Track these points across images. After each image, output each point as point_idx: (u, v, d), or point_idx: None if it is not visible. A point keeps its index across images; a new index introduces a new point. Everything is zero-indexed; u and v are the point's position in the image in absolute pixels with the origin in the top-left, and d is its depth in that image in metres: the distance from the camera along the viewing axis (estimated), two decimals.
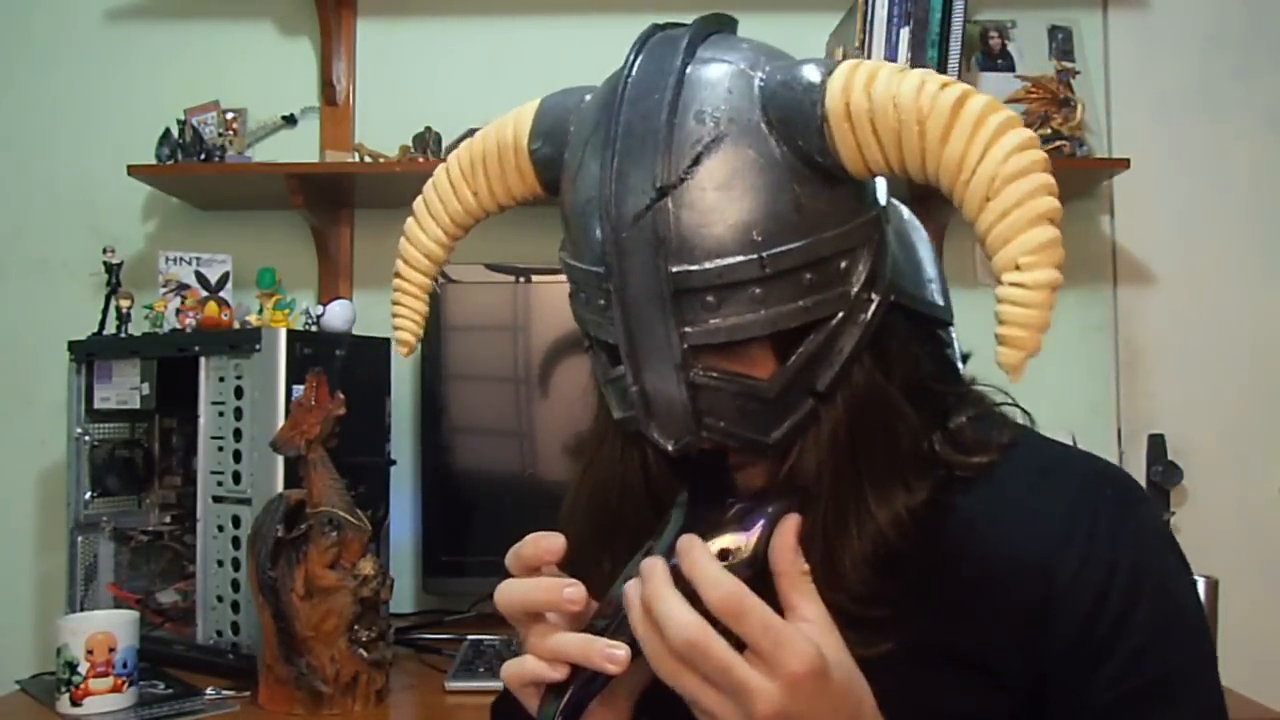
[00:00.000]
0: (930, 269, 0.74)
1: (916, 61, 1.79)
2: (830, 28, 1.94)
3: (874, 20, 1.82)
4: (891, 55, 1.80)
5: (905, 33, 1.80)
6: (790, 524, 0.59)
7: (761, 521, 0.61)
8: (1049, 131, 1.82)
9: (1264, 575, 1.90)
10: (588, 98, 0.66)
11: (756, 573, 0.59)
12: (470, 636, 1.62)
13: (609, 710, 0.65)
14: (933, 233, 1.99)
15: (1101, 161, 1.90)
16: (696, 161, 0.58)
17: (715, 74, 0.60)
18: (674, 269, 0.58)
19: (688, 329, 0.59)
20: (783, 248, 0.58)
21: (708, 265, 0.58)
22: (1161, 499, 1.94)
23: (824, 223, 0.60)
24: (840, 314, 0.61)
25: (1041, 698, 0.67)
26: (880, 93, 0.56)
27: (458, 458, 1.77)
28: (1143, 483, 1.93)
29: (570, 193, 0.64)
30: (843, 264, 0.61)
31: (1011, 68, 1.95)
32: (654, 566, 0.56)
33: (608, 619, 0.61)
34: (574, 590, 0.61)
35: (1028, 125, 1.93)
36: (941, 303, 0.73)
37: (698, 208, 0.58)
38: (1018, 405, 0.75)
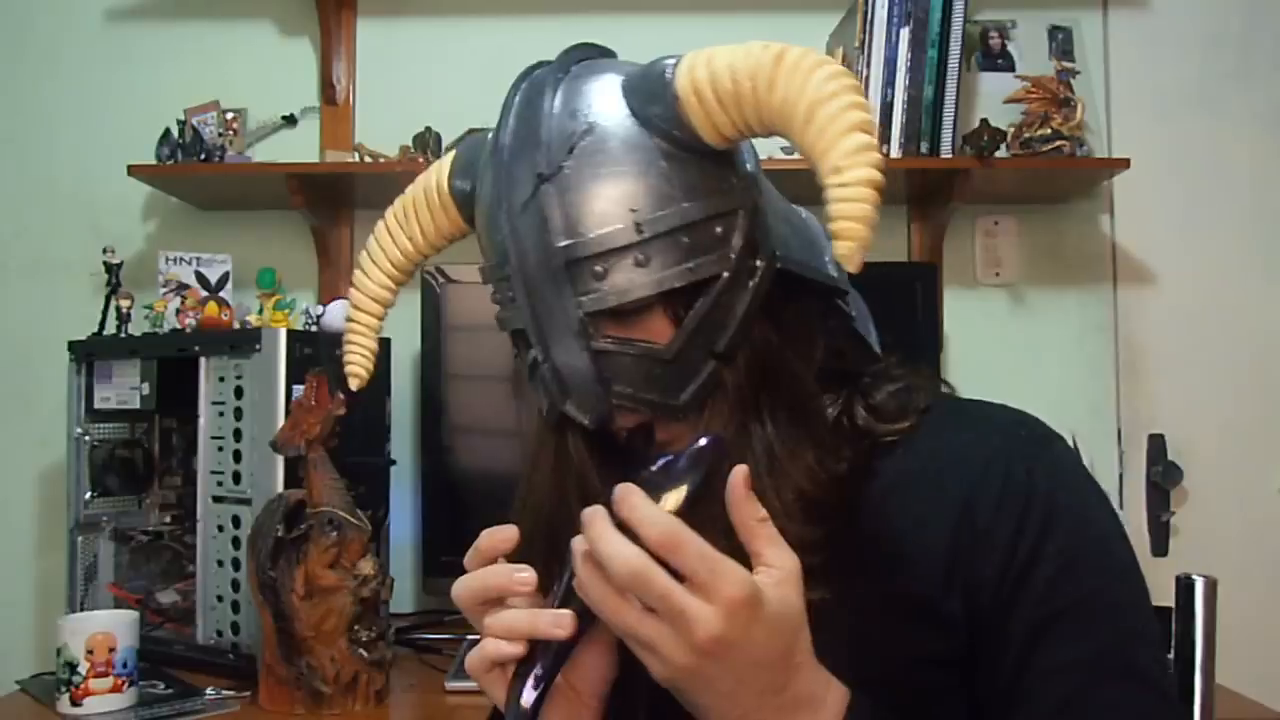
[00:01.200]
0: (823, 248, 0.76)
1: (916, 61, 1.80)
2: (830, 28, 1.94)
3: (874, 20, 1.82)
4: (891, 55, 1.80)
5: (905, 33, 1.80)
6: (739, 475, 0.59)
7: (683, 461, 0.62)
8: (1049, 131, 1.82)
9: (1264, 575, 1.90)
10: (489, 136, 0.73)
11: (691, 513, 0.60)
12: (470, 636, 1.62)
13: (574, 708, 0.66)
14: (931, 233, 2.01)
15: (1101, 161, 1.90)
16: (571, 151, 0.66)
17: (587, 80, 0.69)
18: (561, 243, 0.65)
19: (582, 297, 0.65)
20: (657, 213, 0.65)
21: (591, 235, 0.65)
22: (1161, 499, 1.94)
23: (693, 192, 0.66)
24: (725, 274, 0.67)
25: (976, 634, 0.69)
26: (717, 65, 0.64)
27: (458, 458, 1.77)
28: (1143, 483, 1.94)
29: (478, 209, 0.71)
30: (718, 228, 0.67)
31: (1011, 68, 1.95)
32: (594, 513, 0.58)
33: (554, 595, 0.63)
34: (525, 574, 0.63)
35: (1028, 125, 1.92)
36: (837, 275, 0.75)
37: (577, 189, 0.65)
38: (941, 380, 0.80)
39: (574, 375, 0.66)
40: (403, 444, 1.88)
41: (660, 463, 0.62)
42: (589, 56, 0.72)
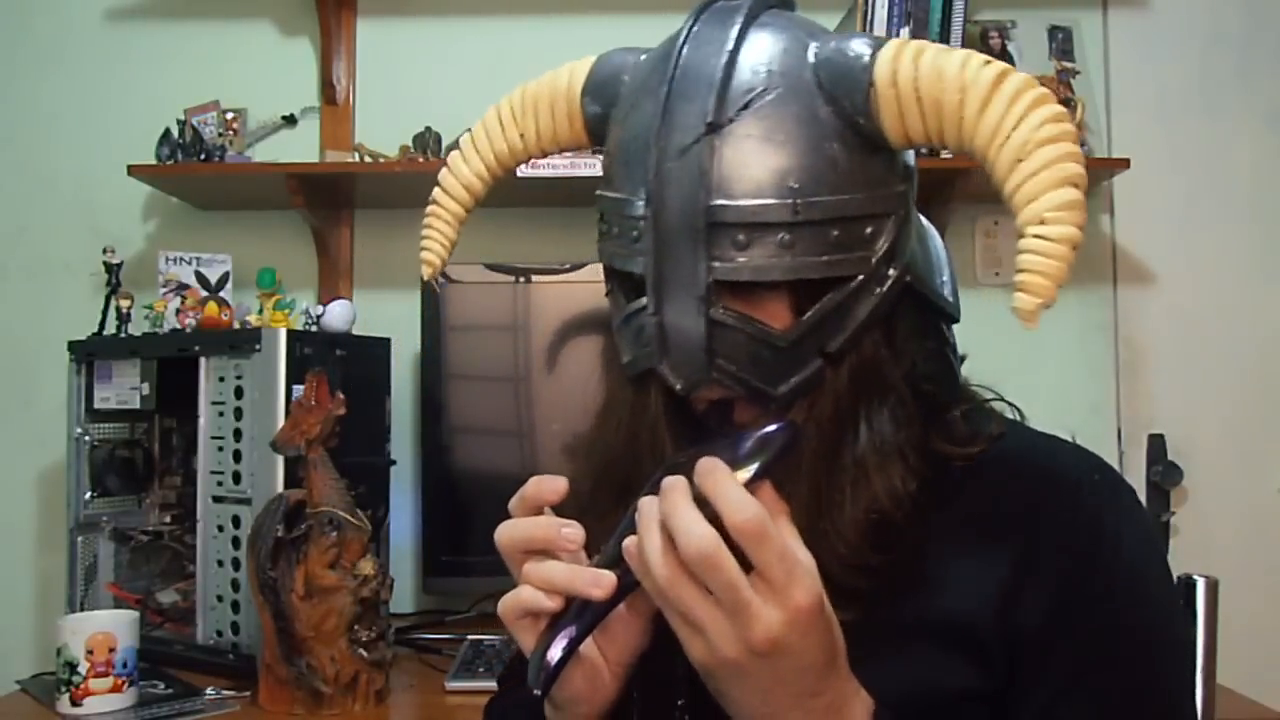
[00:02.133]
0: (945, 269, 0.75)
1: None
2: (830, 27, 1.94)
3: (874, 20, 1.82)
4: None
5: (905, 33, 1.80)
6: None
7: (753, 442, 0.60)
8: None
9: (1264, 575, 1.90)
10: (643, 56, 0.70)
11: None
12: (470, 636, 1.62)
13: (598, 675, 0.65)
14: None
15: (1101, 161, 1.90)
16: (746, 106, 0.62)
17: (773, 35, 0.65)
18: (712, 202, 0.61)
19: (715, 263, 0.62)
20: (815, 198, 0.62)
21: (743, 202, 0.61)
22: (1161, 499, 1.94)
23: (856, 184, 0.64)
24: (860, 277, 0.64)
25: (1014, 671, 0.67)
26: (926, 64, 0.61)
27: (458, 458, 1.77)
28: (1143, 483, 1.94)
29: (619, 130, 0.68)
30: (868, 229, 0.64)
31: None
32: (675, 483, 0.56)
33: (601, 553, 0.62)
34: (572, 530, 0.62)
35: None
36: (952, 300, 0.75)
37: (741, 149, 0.62)
38: (1007, 401, 0.77)
39: (681, 337, 0.64)
40: (403, 444, 1.88)
41: (736, 440, 0.60)
42: (770, 5, 0.68)
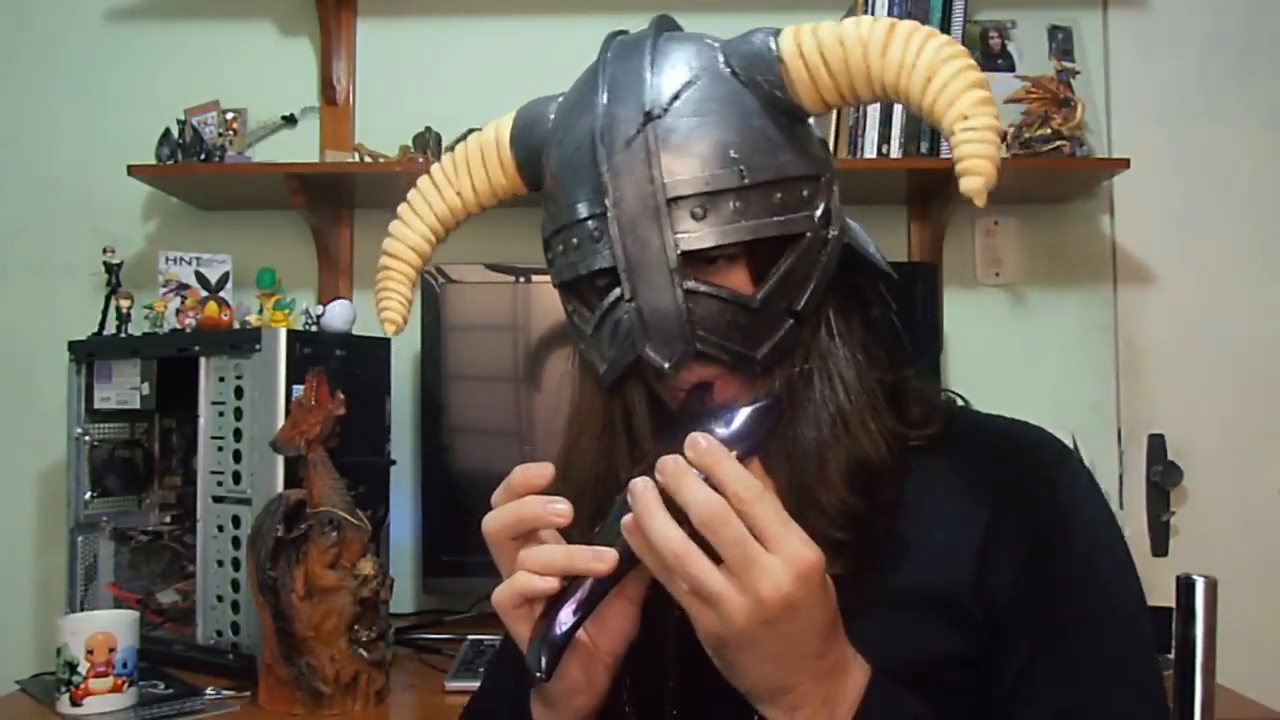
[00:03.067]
0: (870, 242, 0.80)
1: None
2: None
3: None
4: None
5: None
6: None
7: (739, 411, 0.63)
8: (1049, 131, 1.82)
9: (1264, 575, 1.90)
10: (560, 100, 0.75)
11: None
12: (470, 636, 1.62)
13: (592, 664, 0.67)
14: (931, 233, 2.01)
15: (1101, 161, 1.90)
16: (676, 96, 0.68)
17: (680, 44, 0.71)
18: (665, 180, 0.66)
19: (679, 235, 0.66)
20: (759, 161, 0.68)
21: (695, 174, 0.67)
22: (1161, 499, 1.94)
23: (787, 151, 0.69)
24: (808, 234, 0.69)
25: (990, 637, 0.70)
26: (825, 33, 0.68)
27: (458, 458, 1.77)
28: (1143, 483, 1.94)
29: (555, 156, 0.72)
30: (804, 191, 0.70)
31: (1011, 68, 1.95)
32: (643, 486, 0.59)
33: (596, 535, 0.64)
34: (561, 505, 0.64)
35: (1028, 125, 1.92)
36: (885, 262, 0.79)
37: (680, 130, 0.67)
38: (953, 392, 0.82)
39: (660, 315, 0.67)
40: (403, 444, 1.88)
41: (720, 415, 0.63)
42: (671, 28, 0.74)
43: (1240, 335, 1.98)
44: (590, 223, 0.68)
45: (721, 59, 0.70)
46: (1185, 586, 0.94)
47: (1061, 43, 1.98)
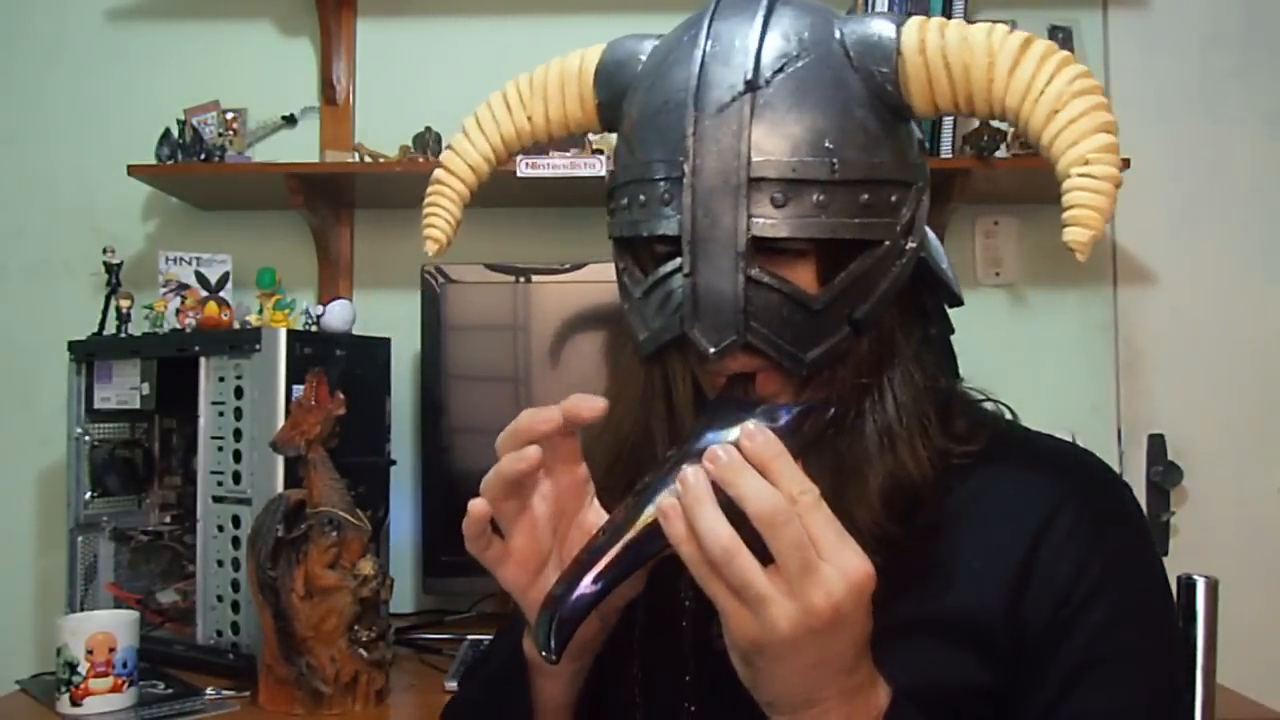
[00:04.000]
0: (944, 257, 0.76)
1: None
2: None
3: None
4: None
5: None
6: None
7: (790, 409, 0.61)
8: None
9: (1264, 575, 1.90)
10: (657, 42, 0.71)
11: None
12: (470, 636, 1.62)
13: (587, 626, 0.65)
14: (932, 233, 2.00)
15: None
16: (780, 70, 0.64)
17: (798, 12, 0.67)
18: (754, 156, 0.62)
19: (755, 219, 0.62)
20: (850, 158, 0.63)
21: (784, 158, 0.62)
22: (1161, 499, 1.94)
23: (884, 150, 0.65)
24: (886, 243, 0.65)
25: (1019, 669, 0.67)
26: (952, 33, 0.64)
27: (458, 458, 1.77)
28: (1143, 483, 1.94)
29: (642, 100, 0.68)
30: (893, 196, 0.66)
31: None
32: (694, 475, 0.56)
33: (625, 517, 0.60)
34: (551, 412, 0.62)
35: None
36: (955, 283, 0.76)
37: (778, 108, 0.63)
38: (1002, 403, 0.78)
39: (716, 297, 0.63)
40: (403, 444, 1.88)
41: (770, 410, 0.61)
42: None
43: (1240, 335, 1.98)
44: (663, 184, 0.64)
45: (838, 36, 0.65)
46: (1185, 586, 0.94)
47: (1061, 43, 1.98)
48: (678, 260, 0.64)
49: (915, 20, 0.65)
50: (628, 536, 0.59)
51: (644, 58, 0.70)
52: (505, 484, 0.63)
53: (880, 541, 0.63)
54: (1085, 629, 0.66)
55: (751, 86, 0.63)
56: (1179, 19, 2.01)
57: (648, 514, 0.59)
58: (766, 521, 0.54)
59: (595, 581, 0.59)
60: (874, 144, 0.65)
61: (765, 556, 0.55)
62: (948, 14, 1.82)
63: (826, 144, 0.63)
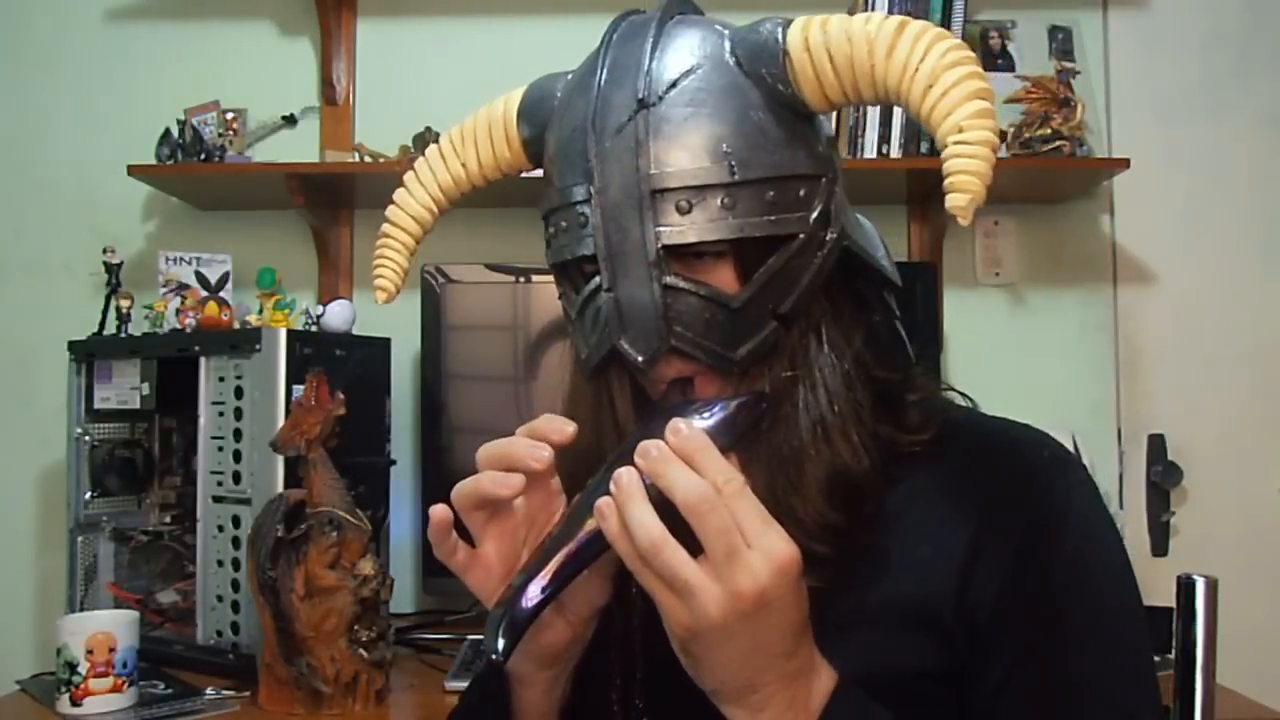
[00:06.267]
0: (880, 246, 0.77)
1: None
2: None
3: None
4: None
5: None
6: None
7: (720, 404, 0.63)
8: (1049, 131, 1.82)
9: (1264, 575, 1.90)
10: (570, 76, 0.73)
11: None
12: (470, 636, 1.62)
13: (558, 626, 0.67)
14: (931, 233, 2.01)
15: (1101, 161, 1.90)
16: (674, 85, 0.66)
17: (688, 29, 0.69)
18: (652, 171, 0.65)
19: (662, 228, 0.65)
20: (750, 158, 0.65)
21: (683, 168, 0.65)
22: (1161, 499, 1.94)
23: (785, 147, 0.67)
24: (801, 235, 0.67)
25: (971, 650, 0.67)
26: (833, 27, 0.66)
27: (458, 458, 1.77)
28: (1143, 483, 1.94)
29: (555, 135, 0.71)
30: (801, 190, 0.67)
31: (1011, 68, 1.95)
32: (627, 474, 0.58)
33: (572, 505, 0.63)
34: (545, 452, 0.64)
35: (1028, 125, 1.92)
36: (891, 269, 0.76)
37: (673, 121, 0.65)
38: (959, 392, 0.79)
39: (637, 308, 0.66)
40: (403, 444, 1.88)
41: (701, 407, 0.62)
42: (683, 12, 0.72)
43: (1240, 335, 1.98)
44: (579, 207, 0.67)
45: (728, 47, 0.68)
46: (1185, 586, 0.94)
47: (1061, 43, 1.98)
48: (598, 278, 0.67)
49: (798, 22, 0.67)
50: (571, 540, 0.61)
51: (559, 93, 0.73)
52: (480, 500, 0.64)
53: (824, 531, 0.65)
54: (1037, 605, 0.67)
55: (644, 104, 0.65)
56: (1179, 19, 2.02)
57: (588, 518, 0.60)
58: (692, 509, 0.56)
59: (542, 586, 0.60)
60: (773, 144, 0.66)
61: (697, 548, 0.56)
62: (948, 13, 1.82)
63: (724, 148, 0.65)
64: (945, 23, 1.81)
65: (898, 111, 1.82)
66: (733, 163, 0.65)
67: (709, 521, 0.56)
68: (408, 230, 0.81)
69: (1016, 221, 2.00)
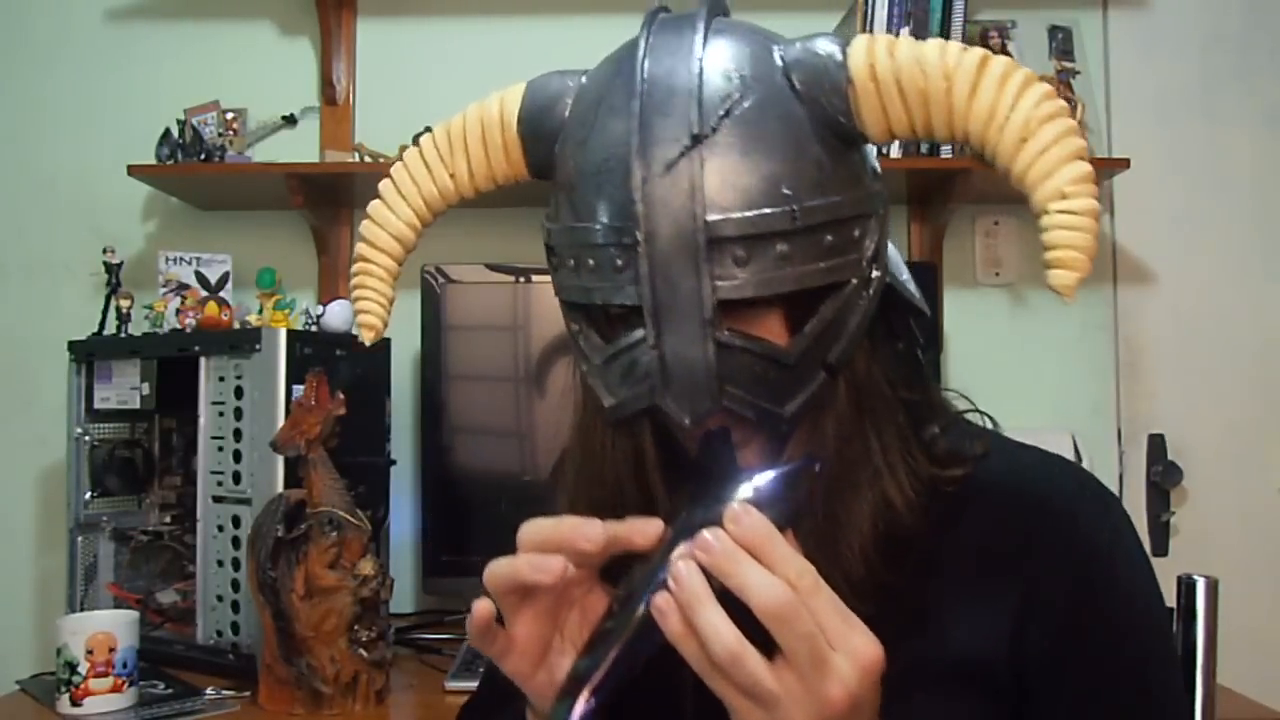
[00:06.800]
0: (903, 266, 0.73)
1: None
2: (830, 28, 1.94)
3: (874, 20, 1.82)
4: None
5: (905, 32, 1.79)
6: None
7: (775, 475, 0.57)
8: None
9: (1264, 575, 1.90)
10: (583, 79, 0.66)
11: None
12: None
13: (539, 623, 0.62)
14: (931, 233, 2.01)
15: (1101, 161, 1.90)
16: (727, 114, 0.59)
17: (734, 42, 0.62)
18: (709, 217, 0.58)
19: (719, 282, 0.58)
20: (810, 202, 0.59)
21: (742, 214, 0.58)
22: (1161, 499, 1.94)
23: (842, 185, 0.61)
24: (854, 281, 0.62)
25: (1022, 702, 0.66)
26: (904, 55, 0.59)
27: (458, 458, 1.77)
28: (1143, 483, 1.94)
29: (578, 156, 0.62)
30: (856, 231, 0.62)
31: None
32: (687, 570, 0.54)
33: (615, 616, 0.58)
34: (595, 529, 0.58)
35: None
36: (918, 295, 0.73)
37: (729, 158, 0.58)
38: (982, 412, 0.75)
39: (686, 367, 0.59)
40: (403, 444, 1.88)
41: (753, 476, 0.57)
42: (719, 12, 0.65)
43: (1240, 335, 1.98)
44: (613, 250, 0.59)
45: (780, 66, 0.61)
46: (1185, 586, 0.94)
47: (1061, 43, 1.98)
48: (640, 332, 0.60)
49: (861, 41, 0.61)
50: (622, 640, 0.57)
51: (570, 100, 0.65)
52: (518, 584, 0.59)
53: (875, 590, 0.61)
54: (1087, 655, 0.65)
55: (697, 139, 0.58)
56: (1179, 19, 2.02)
57: (640, 612, 0.56)
58: (773, 616, 0.52)
59: (591, 695, 0.56)
60: (830, 181, 0.61)
61: (761, 638, 0.53)
62: (948, 13, 1.82)
63: (784, 190, 0.59)
64: (945, 23, 1.81)
65: None
66: (794, 208, 0.59)
67: (793, 628, 0.51)
68: (388, 252, 0.70)
69: (1016, 221, 2.00)
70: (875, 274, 0.64)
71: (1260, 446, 1.96)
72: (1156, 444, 1.95)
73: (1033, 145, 0.57)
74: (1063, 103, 0.59)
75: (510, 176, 0.69)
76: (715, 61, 0.60)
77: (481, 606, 0.59)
